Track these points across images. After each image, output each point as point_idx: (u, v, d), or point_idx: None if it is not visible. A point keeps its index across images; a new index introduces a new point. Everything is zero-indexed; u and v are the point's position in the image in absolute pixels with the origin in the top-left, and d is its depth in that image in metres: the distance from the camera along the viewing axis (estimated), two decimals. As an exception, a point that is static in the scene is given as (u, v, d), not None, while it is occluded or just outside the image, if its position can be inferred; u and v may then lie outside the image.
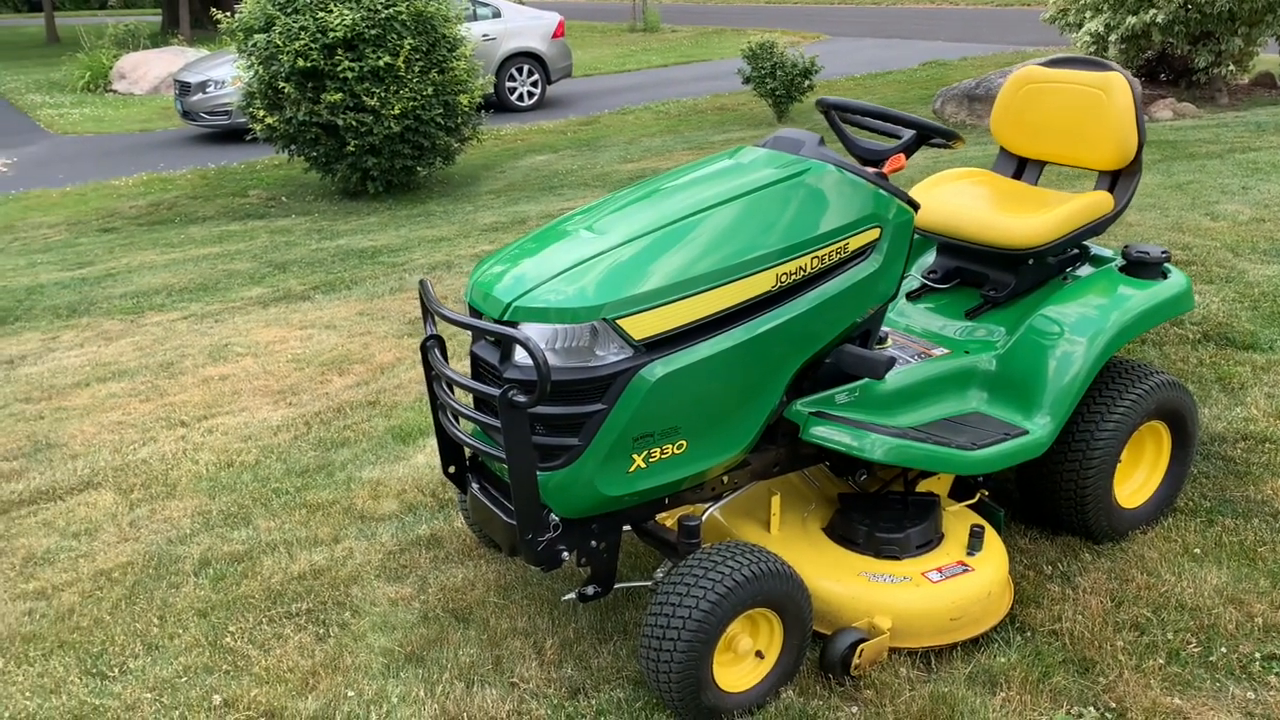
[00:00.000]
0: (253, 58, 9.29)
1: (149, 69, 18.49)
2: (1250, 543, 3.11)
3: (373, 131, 9.26)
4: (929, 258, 3.51)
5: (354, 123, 9.19)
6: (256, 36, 9.22)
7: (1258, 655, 2.63)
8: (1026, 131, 3.47)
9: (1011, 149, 3.56)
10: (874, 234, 2.67)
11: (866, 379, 2.74)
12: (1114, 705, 2.51)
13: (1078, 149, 3.32)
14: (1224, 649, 2.66)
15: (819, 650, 2.63)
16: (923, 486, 3.04)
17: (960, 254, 3.35)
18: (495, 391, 2.27)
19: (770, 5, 33.25)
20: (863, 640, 2.59)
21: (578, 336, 2.34)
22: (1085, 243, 3.37)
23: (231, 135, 13.17)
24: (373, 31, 9.10)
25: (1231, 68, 11.75)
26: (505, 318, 2.37)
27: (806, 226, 2.55)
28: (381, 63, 9.08)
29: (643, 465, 2.42)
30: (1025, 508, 3.26)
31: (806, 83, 12.29)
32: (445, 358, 2.65)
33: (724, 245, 2.45)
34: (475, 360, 2.58)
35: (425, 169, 10.04)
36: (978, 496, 3.08)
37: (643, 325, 2.33)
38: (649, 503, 2.61)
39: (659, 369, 2.35)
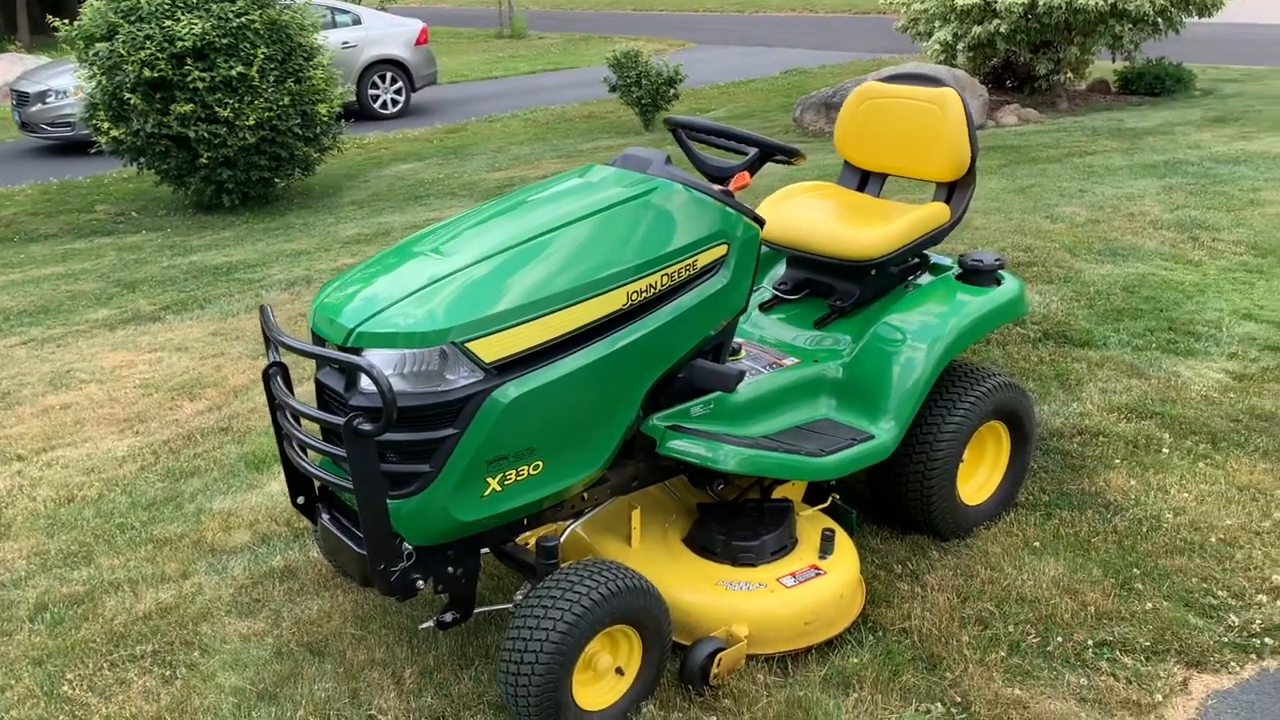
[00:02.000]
0: (95, 67, 8.89)
1: (-17, 77, 17.47)
2: (1084, 534, 3.28)
3: (226, 143, 8.96)
4: (780, 269, 3.59)
5: (206, 134, 8.87)
6: (98, 45, 8.82)
7: (1090, 643, 2.78)
8: (867, 145, 3.58)
9: (854, 162, 3.67)
10: (722, 250, 2.72)
11: (719, 391, 2.79)
12: (959, 700, 2.61)
13: (915, 162, 3.45)
14: (1060, 638, 2.80)
15: (679, 662, 2.66)
16: (778, 493, 3.11)
17: (808, 266, 3.44)
18: (340, 421, 2.22)
19: (637, 12, 33.50)
20: (721, 649, 2.63)
21: (426, 360, 2.31)
22: (926, 252, 3.51)
23: (75, 147, 12.53)
24: (224, 40, 8.80)
25: (1069, 75, 12.39)
26: (349, 343, 2.32)
27: (656, 244, 2.58)
28: (234, 72, 8.79)
29: (498, 488, 2.40)
30: (876, 509, 3.36)
31: (672, 91, 12.42)
32: (289, 385, 2.58)
33: (575, 264, 2.46)
34: (320, 388, 2.52)
35: (283, 181, 9.77)
36: (829, 500, 3.17)
37: (493, 347, 2.32)
38: (507, 525, 2.59)
39: (511, 391, 2.34)
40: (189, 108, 8.75)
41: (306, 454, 2.60)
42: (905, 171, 3.53)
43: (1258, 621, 2.84)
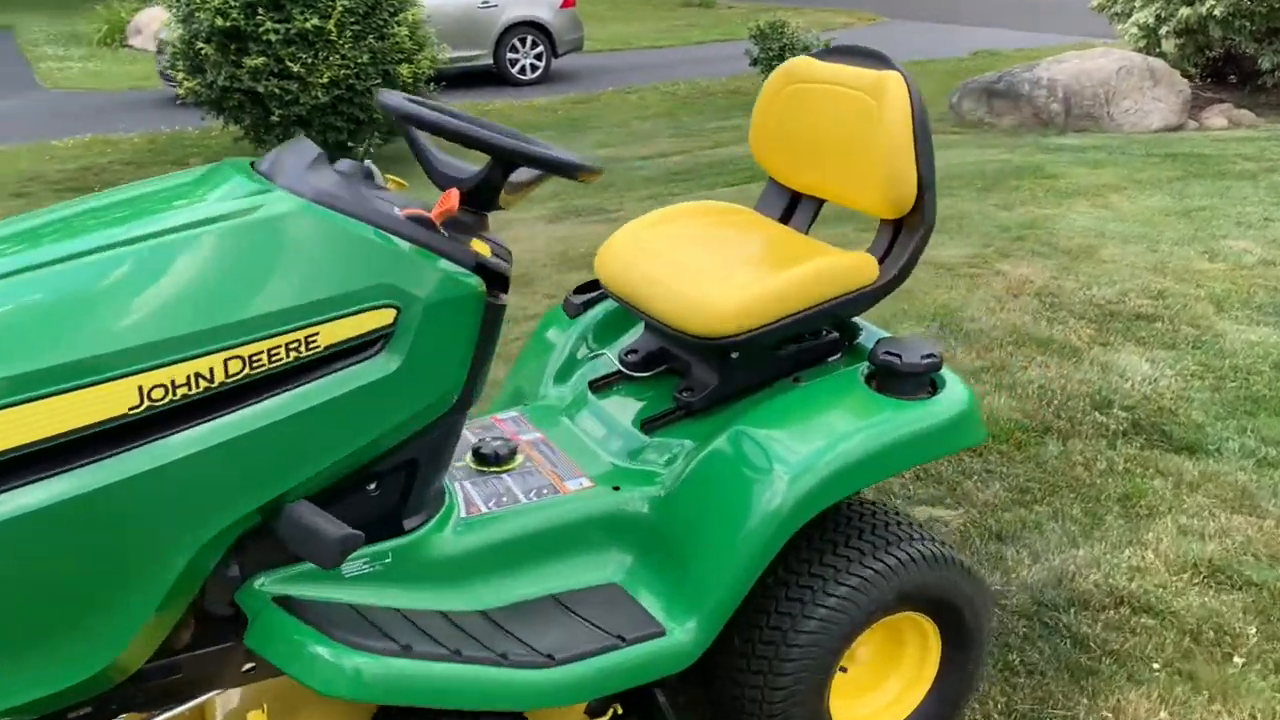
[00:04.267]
0: (174, 14, 8.50)
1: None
2: (1037, 815, 2.02)
3: (299, 101, 8.38)
4: (638, 332, 2.43)
5: (277, 90, 8.31)
6: (180, -9, 8.41)
7: None
8: (790, 152, 2.38)
9: (776, 175, 2.46)
10: (384, 317, 1.65)
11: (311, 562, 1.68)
12: None
13: (846, 181, 2.23)
14: None
15: None
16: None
17: (662, 333, 2.28)
18: None
19: (842, -16, 31.58)
20: None
21: None
22: (857, 320, 2.29)
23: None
24: (302, -11, 8.20)
25: (1303, 71, 10.23)
26: None
27: (224, 305, 1.53)
28: (309, 25, 8.17)
29: (-122, 703, 1.44)
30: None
31: (819, 67, 11.07)
32: None
33: (33, 337, 1.45)
34: None
35: (362, 145, 9.12)
36: (609, 713, 2.02)
37: None
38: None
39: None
40: (260, 61, 8.21)
41: None
42: (835, 195, 2.31)
43: None
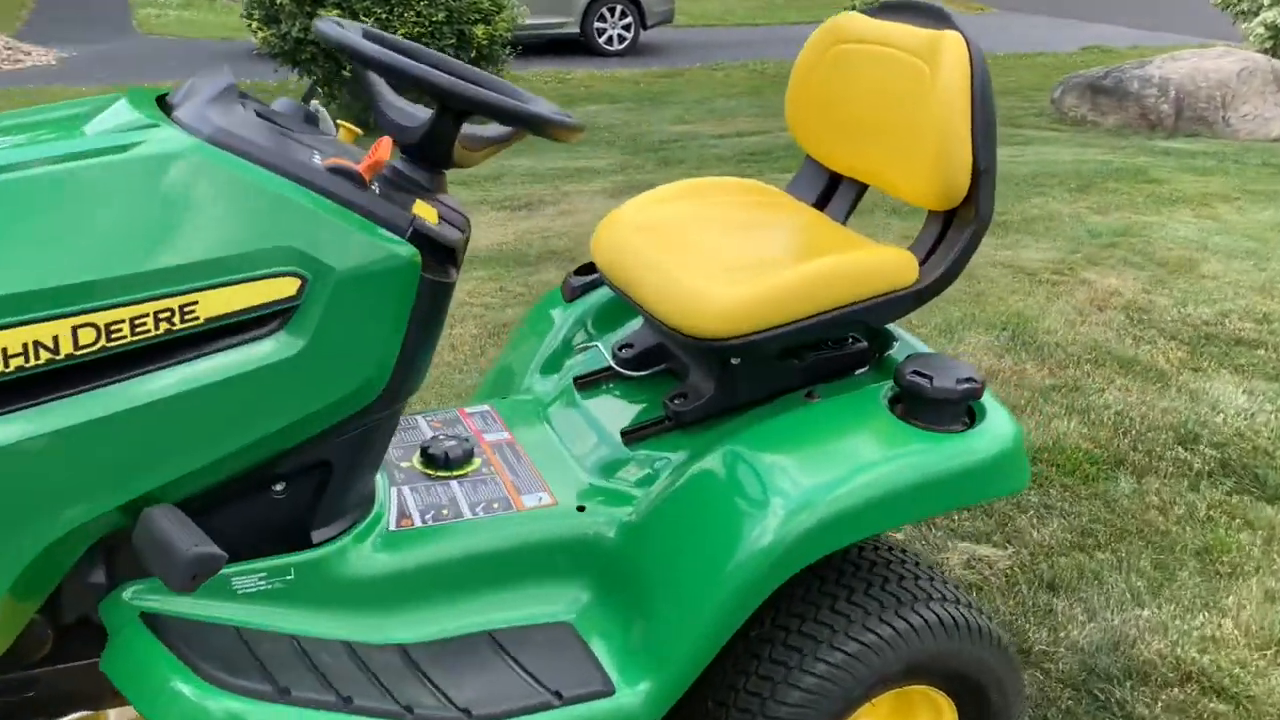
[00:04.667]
0: (251, -37, 8.41)
1: (262, -24, 18.01)
2: None
3: (370, 57, 8.20)
4: (636, 324, 2.10)
5: (349, 45, 8.14)
6: (254, -59, 8.30)
7: None
8: (829, 124, 2.02)
9: (813, 152, 2.11)
10: (286, 288, 1.36)
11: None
12: None
13: (888, 162, 1.87)
14: None
15: None
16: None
17: (659, 329, 1.95)
18: None
19: (953, -28, 30.56)
20: None
21: None
22: (892, 328, 1.93)
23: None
24: (380, -59, 8.01)
25: None
26: None
27: (72, 262, 1.26)
28: (386, -22, 8.00)
29: None
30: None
31: (914, 53, 10.55)
32: None
33: None
34: None
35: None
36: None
37: None
38: None
39: None
40: (335, 13, 8.01)
41: None
42: (872, 177, 1.96)
43: None
